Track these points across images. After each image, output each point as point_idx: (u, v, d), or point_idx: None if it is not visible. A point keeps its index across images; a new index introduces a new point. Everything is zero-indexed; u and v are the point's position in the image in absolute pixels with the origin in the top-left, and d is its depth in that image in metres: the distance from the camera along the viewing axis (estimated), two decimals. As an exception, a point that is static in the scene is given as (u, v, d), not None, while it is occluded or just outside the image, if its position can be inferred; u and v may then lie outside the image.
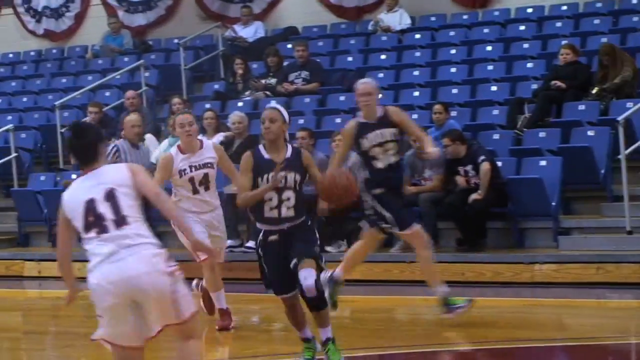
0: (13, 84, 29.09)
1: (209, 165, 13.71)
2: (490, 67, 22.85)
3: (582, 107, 19.99)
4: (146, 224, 8.63)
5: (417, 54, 24.13)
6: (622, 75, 19.94)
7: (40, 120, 26.20)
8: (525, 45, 23.23)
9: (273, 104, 11.94)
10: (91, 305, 7.87)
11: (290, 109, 22.28)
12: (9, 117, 26.24)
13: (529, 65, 22.47)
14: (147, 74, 26.49)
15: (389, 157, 13.27)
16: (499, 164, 18.36)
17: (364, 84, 13.91)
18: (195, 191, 13.67)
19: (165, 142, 22.75)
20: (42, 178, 24.09)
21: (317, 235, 11.10)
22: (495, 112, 21.03)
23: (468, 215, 17.94)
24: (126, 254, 8.15)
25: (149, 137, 22.90)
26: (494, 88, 21.97)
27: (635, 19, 22.71)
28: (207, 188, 13.75)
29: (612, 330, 14.34)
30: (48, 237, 22.30)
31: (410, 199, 17.55)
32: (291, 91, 23.33)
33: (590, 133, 19.12)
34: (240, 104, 23.32)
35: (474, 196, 17.64)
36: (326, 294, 13.03)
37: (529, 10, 24.19)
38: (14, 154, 24.65)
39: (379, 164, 13.23)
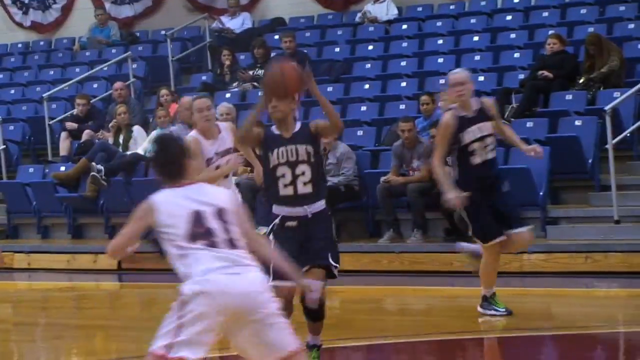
0: (0, 76, 29.12)
1: (230, 150, 13.17)
2: (477, 57, 22.85)
3: (569, 96, 20.05)
4: None
5: (404, 44, 24.18)
6: (609, 65, 19.99)
7: (28, 113, 26.24)
8: (512, 35, 23.29)
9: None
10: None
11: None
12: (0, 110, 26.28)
13: (516, 55, 22.56)
14: (134, 66, 26.52)
15: (487, 152, 12.62)
16: (486, 154, 18.36)
17: (456, 73, 13.22)
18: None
19: (153, 134, 22.83)
20: (31, 170, 24.15)
21: (333, 226, 10.63)
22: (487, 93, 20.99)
23: (456, 205, 18.03)
24: (241, 270, 7.93)
25: (137, 128, 22.97)
26: (481, 78, 21.93)
27: (622, 8, 22.75)
28: (226, 175, 13.24)
29: (600, 319, 14.42)
30: (37, 229, 22.37)
31: (398, 189, 17.62)
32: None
33: (577, 123, 19.18)
34: (228, 95, 23.32)
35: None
36: (464, 250, 13.63)
37: (516, 0, 24.21)
38: (2, 147, 24.69)
39: (477, 160, 12.54)
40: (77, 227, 22.80)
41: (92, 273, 20.63)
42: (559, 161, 18.52)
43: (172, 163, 8.29)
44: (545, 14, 23.47)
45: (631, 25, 22.08)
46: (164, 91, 23.72)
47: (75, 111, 24.54)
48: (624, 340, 13.46)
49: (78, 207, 22.71)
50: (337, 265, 10.30)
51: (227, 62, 24.90)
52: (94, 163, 22.21)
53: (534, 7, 23.86)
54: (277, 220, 10.29)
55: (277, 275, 9.56)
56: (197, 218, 8.00)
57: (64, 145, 24.22)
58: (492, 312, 13.20)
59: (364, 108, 21.67)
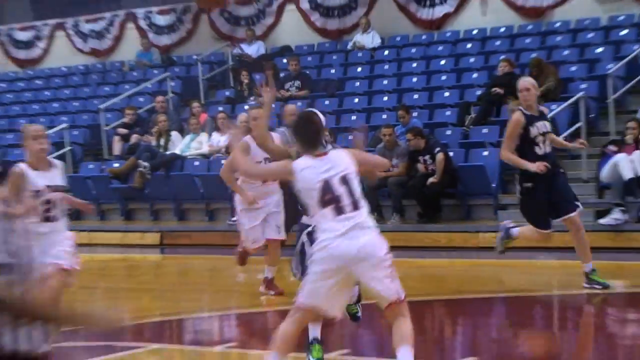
0: (66, 91, 29.06)
1: None
2: (444, 77, 22.85)
3: (505, 106, 20.06)
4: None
5: (386, 66, 24.12)
6: (547, 84, 19.98)
7: (88, 121, 26.23)
8: (471, 60, 23.26)
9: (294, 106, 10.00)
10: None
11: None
12: (64, 118, 26.22)
13: (474, 75, 22.48)
14: (172, 84, 26.52)
15: (547, 146, 12.27)
16: (451, 154, 18.47)
17: (524, 81, 12.79)
18: (265, 181, 12.74)
19: (187, 138, 22.98)
20: (91, 167, 24.22)
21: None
22: (448, 113, 21.08)
23: (426, 194, 18.13)
24: (359, 233, 7.93)
25: (174, 133, 23.09)
26: (446, 94, 22.02)
27: (558, 38, 22.75)
28: None
29: (540, 285, 14.55)
30: (96, 213, 22.35)
31: (381, 182, 17.68)
32: (286, 97, 23.30)
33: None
34: (246, 107, 23.27)
35: (431, 180, 17.82)
36: (499, 239, 13.21)
37: (474, 31, 24.10)
38: (68, 148, 24.77)
39: (539, 151, 12.17)
40: (128, 211, 22.92)
41: (139, 247, 20.73)
42: (508, 159, 18.67)
43: (311, 134, 8.26)
44: (498, 42, 23.45)
45: (565, 52, 22.05)
46: (195, 104, 23.91)
47: (125, 119, 24.62)
48: (557, 300, 13.64)
49: (128, 196, 22.77)
50: None
51: (246, 81, 24.91)
52: (140, 160, 22.31)
53: (488, 37, 23.76)
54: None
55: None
56: (327, 186, 7.97)
57: (117, 146, 24.29)
58: (595, 286, 12.57)
59: (353, 117, 21.60)
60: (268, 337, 9.04)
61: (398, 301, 8.11)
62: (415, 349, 8.59)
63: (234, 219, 20.07)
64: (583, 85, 20.27)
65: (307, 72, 24.61)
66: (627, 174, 16.94)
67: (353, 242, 7.88)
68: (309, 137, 8.10)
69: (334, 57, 25.69)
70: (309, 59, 25.80)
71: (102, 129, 25.08)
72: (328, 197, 7.97)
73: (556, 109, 18.93)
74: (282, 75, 24.46)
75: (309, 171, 8.01)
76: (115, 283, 17.08)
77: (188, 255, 19.74)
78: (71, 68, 30.45)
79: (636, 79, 20.40)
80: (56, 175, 8.99)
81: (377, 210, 18.12)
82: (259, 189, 12.87)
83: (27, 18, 31.60)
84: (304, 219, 9.17)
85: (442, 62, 23.68)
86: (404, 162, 18.37)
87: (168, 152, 22.56)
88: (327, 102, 23.14)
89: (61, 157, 24.63)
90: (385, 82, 23.40)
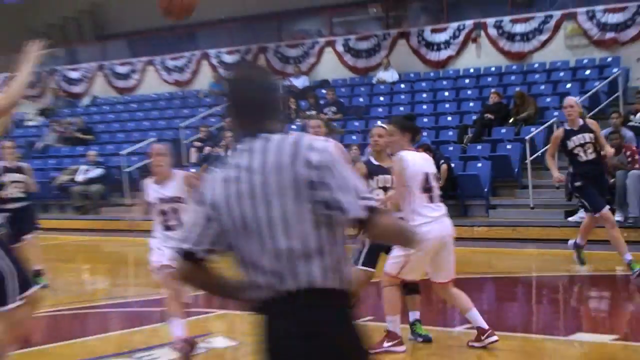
0: (154, 113, 29.26)
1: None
2: (447, 105, 22.87)
3: (503, 130, 20.06)
4: None
5: (402, 96, 24.10)
6: (528, 112, 20.02)
7: (171, 136, 26.20)
8: (468, 92, 23.22)
9: (380, 123, 9.65)
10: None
11: (329, 132, 22.43)
12: (152, 133, 26.43)
13: (471, 104, 22.45)
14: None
15: (589, 154, 11.74)
16: (452, 165, 18.47)
17: (568, 99, 12.35)
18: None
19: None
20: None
21: None
22: (450, 133, 21.06)
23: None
24: (444, 219, 8.11)
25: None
26: (449, 118, 22.02)
27: (536, 76, 22.69)
28: None
29: (523, 268, 14.55)
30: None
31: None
32: (325, 119, 23.30)
33: (508, 146, 19.29)
34: (293, 126, 23.47)
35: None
36: (575, 256, 12.60)
37: (471, 70, 24.08)
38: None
39: (581, 159, 11.72)
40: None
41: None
42: (497, 170, 18.70)
43: (417, 131, 8.52)
44: (489, 79, 23.38)
45: (542, 87, 21.97)
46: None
47: (200, 135, 24.73)
48: (536, 280, 13.61)
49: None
50: None
51: (293, 106, 24.96)
52: (211, 167, 22.40)
53: (482, 75, 23.69)
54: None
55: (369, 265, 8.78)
56: (426, 178, 8.02)
57: (193, 156, 24.40)
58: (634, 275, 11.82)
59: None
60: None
61: (452, 279, 8.27)
62: (422, 316, 8.66)
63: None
64: (555, 113, 20.13)
65: (341, 100, 24.62)
66: (590, 183, 17.01)
67: (444, 227, 8.06)
68: (414, 134, 8.31)
69: (362, 89, 25.66)
70: (342, 90, 25.78)
71: (182, 142, 25.18)
72: (427, 186, 8.05)
73: (535, 130, 18.95)
74: (321, 102, 24.48)
75: (415, 162, 8.06)
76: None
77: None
78: (159, 95, 30.57)
79: (597, 108, 20.31)
80: (173, 188, 8.15)
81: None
82: None
83: (125, 56, 31.79)
84: None
85: (446, 93, 23.70)
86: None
87: (233, 161, 22.68)
88: (356, 124, 23.25)
89: (148, 165, 24.80)
90: (401, 108, 23.27)
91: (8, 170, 12.44)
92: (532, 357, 8.63)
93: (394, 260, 8.06)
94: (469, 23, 24.38)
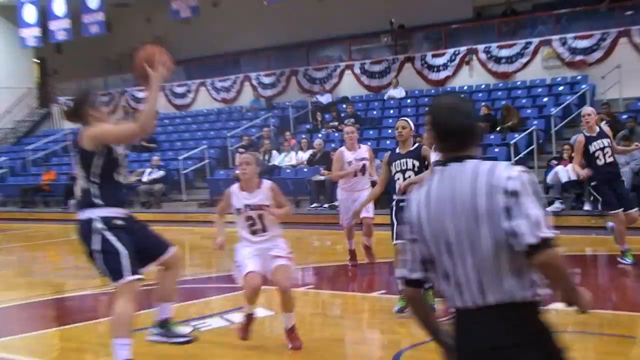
0: (206, 125, 29.26)
1: (362, 160, 11.18)
2: (445, 116, 22.78)
3: (492, 136, 19.91)
4: None
5: (408, 110, 23.95)
6: (512, 121, 19.96)
7: (219, 144, 26.33)
8: (463, 105, 23.10)
9: (403, 118, 8.99)
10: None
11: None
12: (204, 142, 26.42)
13: (465, 115, 22.31)
14: (272, 120, 26.62)
15: (606, 157, 10.81)
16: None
17: (585, 109, 11.42)
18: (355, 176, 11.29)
19: (282, 155, 23.06)
20: (221, 173, 24.35)
21: None
22: (448, 139, 20.97)
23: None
24: None
25: (274, 152, 23.22)
26: (447, 127, 22.02)
27: (519, 92, 22.63)
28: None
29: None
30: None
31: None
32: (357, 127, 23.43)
33: (496, 150, 19.15)
34: (319, 135, 23.52)
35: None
36: (609, 227, 11.44)
37: (465, 87, 23.93)
38: (207, 161, 25.00)
39: (600, 162, 10.80)
40: (244, 201, 22.86)
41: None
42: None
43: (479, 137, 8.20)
44: (480, 94, 23.22)
45: (523, 101, 21.92)
46: (287, 133, 24.01)
47: (243, 143, 24.73)
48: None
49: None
50: None
51: (319, 119, 25.05)
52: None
53: (474, 91, 23.54)
54: (394, 203, 8.51)
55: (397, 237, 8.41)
56: None
57: (237, 160, 24.41)
58: (624, 262, 10.99)
59: (388, 142, 21.65)
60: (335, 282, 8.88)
61: None
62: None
63: (313, 205, 20.19)
64: (535, 122, 20.16)
65: (358, 112, 24.54)
66: (563, 179, 17.02)
67: None
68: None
69: (375, 104, 25.54)
70: (359, 104, 25.66)
71: (228, 148, 25.22)
72: None
73: (518, 137, 18.90)
74: (342, 115, 24.47)
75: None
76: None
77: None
78: (209, 110, 30.53)
79: (569, 118, 20.29)
80: (259, 196, 7.18)
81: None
82: (353, 184, 11.27)
83: (182, 78, 31.86)
84: (394, 196, 8.49)
85: (444, 107, 23.47)
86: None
87: (270, 164, 22.69)
88: (371, 132, 23.18)
89: (202, 167, 24.93)
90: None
91: None
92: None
93: None
94: (463, 49, 24.31)
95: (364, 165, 11.15)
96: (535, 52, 22.96)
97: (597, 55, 21.82)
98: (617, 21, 22.01)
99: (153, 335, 6.33)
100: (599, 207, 11.51)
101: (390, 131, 22.97)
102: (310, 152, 22.29)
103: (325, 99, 26.60)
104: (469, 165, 3.12)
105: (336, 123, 24.30)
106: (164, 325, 6.28)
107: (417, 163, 8.39)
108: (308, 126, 25.81)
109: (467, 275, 3.05)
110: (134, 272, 5.77)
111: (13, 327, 9.49)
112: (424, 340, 7.38)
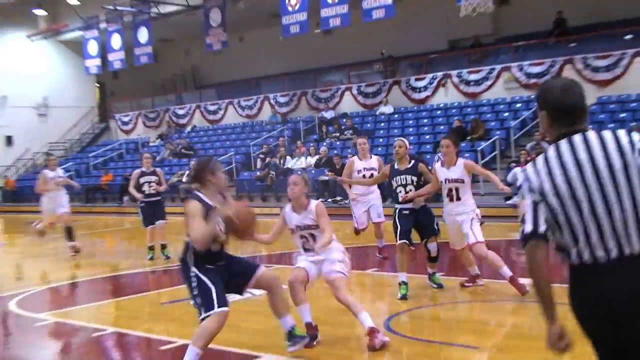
0: (233, 136, 28.86)
1: (373, 170, 10.44)
2: (425, 128, 22.60)
3: (463, 144, 19.67)
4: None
5: (396, 123, 23.86)
6: (480, 133, 19.89)
7: (244, 150, 26.32)
8: (439, 119, 22.94)
9: (400, 138, 8.57)
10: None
11: (345, 146, 22.34)
12: (232, 150, 26.35)
13: (441, 127, 22.19)
14: (287, 132, 26.45)
15: None
16: (430, 168, 18.21)
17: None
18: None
19: (294, 160, 22.93)
20: (245, 174, 24.22)
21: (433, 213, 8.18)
22: (428, 146, 20.82)
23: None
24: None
25: (288, 157, 23.08)
26: (427, 136, 21.88)
27: (484, 108, 22.49)
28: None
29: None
30: (249, 199, 22.33)
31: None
32: (344, 139, 23.36)
33: (466, 155, 18.65)
34: (324, 143, 23.44)
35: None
36: None
37: (441, 105, 23.85)
38: (234, 165, 24.92)
39: None
40: (264, 197, 22.69)
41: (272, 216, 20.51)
42: (459, 171, 18.45)
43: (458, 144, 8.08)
44: (453, 110, 23.10)
45: (488, 115, 21.82)
46: (298, 142, 23.97)
47: (263, 150, 24.73)
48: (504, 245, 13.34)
49: (264, 189, 22.71)
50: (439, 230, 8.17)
51: (324, 130, 24.99)
52: (271, 171, 22.43)
53: (449, 108, 23.46)
54: (397, 212, 8.11)
55: (401, 238, 7.95)
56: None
57: (259, 164, 24.38)
58: None
59: (379, 149, 21.49)
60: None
61: (477, 243, 7.73)
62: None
63: (319, 200, 20.04)
64: (498, 133, 20.08)
65: (356, 125, 24.36)
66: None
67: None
68: None
69: (369, 118, 25.36)
70: (356, 119, 25.47)
71: (251, 155, 25.15)
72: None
73: (484, 145, 18.82)
74: (342, 127, 24.37)
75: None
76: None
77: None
78: (235, 124, 30.21)
79: (525, 129, 20.18)
80: (307, 217, 6.17)
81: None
82: (364, 189, 10.54)
83: (214, 98, 31.84)
84: (396, 205, 8.11)
85: (425, 120, 23.40)
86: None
87: (284, 167, 22.64)
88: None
89: (230, 170, 24.87)
90: (395, 130, 23.14)
91: (145, 174, 12.28)
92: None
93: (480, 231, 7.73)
94: (440, 74, 24.16)
95: (372, 175, 10.22)
96: (498, 76, 22.82)
97: (548, 78, 21.72)
98: (563, 51, 21.94)
99: (288, 347, 5.72)
100: None
101: (381, 140, 22.96)
102: (316, 157, 22.21)
103: (329, 114, 26.46)
104: (592, 134, 2.88)
105: (337, 134, 24.24)
106: (291, 334, 5.72)
107: (415, 178, 8.14)
108: (315, 136, 25.67)
109: (614, 226, 2.77)
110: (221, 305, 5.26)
111: (77, 299, 9.49)
112: (409, 308, 7.36)
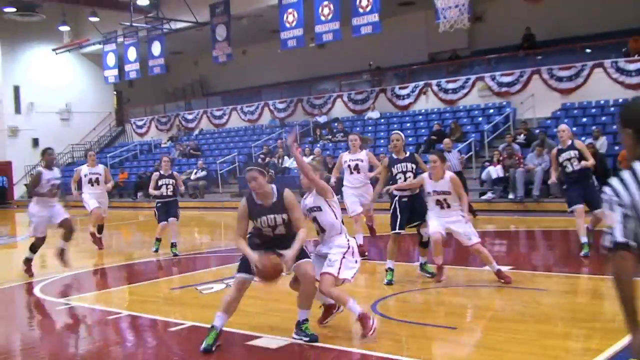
0: (237, 138, 28.85)
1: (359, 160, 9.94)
2: (409, 131, 22.47)
3: (442, 145, 19.71)
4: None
5: (382, 127, 23.81)
6: (457, 135, 19.82)
7: (247, 152, 26.21)
8: (421, 124, 22.92)
9: (397, 131, 8.43)
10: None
11: (337, 148, 22.23)
12: (235, 150, 26.29)
13: (422, 130, 22.16)
14: (285, 135, 26.14)
15: (574, 166, 9.06)
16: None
17: (561, 126, 9.44)
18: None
19: (291, 159, 22.81)
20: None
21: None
22: (411, 147, 20.50)
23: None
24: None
25: (286, 157, 22.92)
26: (410, 138, 21.76)
27: (461, 114, 22.47)
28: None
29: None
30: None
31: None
32: (335, 140, 23.27)
33: (446, 155, 18.98)
34: (318, 145, 23.33)
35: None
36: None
37: (422, 111, 23.85)
38: (237, 164, 24.73)
39: (568, 170, 9.12)
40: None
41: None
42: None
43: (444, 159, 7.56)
44: (433, 115, 23.16)
45: (465, 120, 21.80)
46: (295, 144, 23.76)
47: (263, 151, 24.58)
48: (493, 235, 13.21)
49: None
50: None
51: (319, 133, 24.91)
52: (270, 170, 22.26)
53: (430, 113, 23.49)
54: (397, 198, 7.94)
55: (400, 227, 7.79)
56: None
57: (261, 163, 24.24)
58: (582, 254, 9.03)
59: (367, 150, 21.46)
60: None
61: (477, 243, 7.45)
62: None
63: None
64: (473, 135, 20.06)
65: (346, 129, 24.22)
66: (493, 175, 16.94)
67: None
68: None
69: (358, 123, 25.26)
70: (347, 123, 25.41)
71: (253, 155, 25.05)
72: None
73: (461, 146, 18.75)
74: (334, 130, 24.29)
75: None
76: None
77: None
78: (239, 128, 30.00)
79: (497, 132, 20.16)
80: (312, 199, 6.03)
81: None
82: (357, 182, 9.93)
83: (219, 105, 31.73)
84: (395, 193, 7.93)
85: (408, 124, 23.33)
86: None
87: (282, 166, 22.53)
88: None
89: (234, 169, 24.74)
90: (382, 133, 23.09)
91: (163, 177, 12.05)
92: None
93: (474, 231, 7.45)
94: (421, 83, 24.10)
95: (356, 165, 9.79)
96: (473, 85, 22.77)
97: (517, 87, 21.74)
98: (531, 63, 21.94)
99: (294, 334, 5.56)
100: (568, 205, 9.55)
101: (394, 131, 22.86)
102: (311, 157, 22.06)
103: (322, 119, 26.38)
104: None
105: (330, 137, 24.15)
106: (298, 326, 5.54)
107: (414, 166, 8.11)
108: (310, 139, 25.57)
109: None
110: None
111: (95, 285, 9.38)
112: (394, 292, 7.28)
